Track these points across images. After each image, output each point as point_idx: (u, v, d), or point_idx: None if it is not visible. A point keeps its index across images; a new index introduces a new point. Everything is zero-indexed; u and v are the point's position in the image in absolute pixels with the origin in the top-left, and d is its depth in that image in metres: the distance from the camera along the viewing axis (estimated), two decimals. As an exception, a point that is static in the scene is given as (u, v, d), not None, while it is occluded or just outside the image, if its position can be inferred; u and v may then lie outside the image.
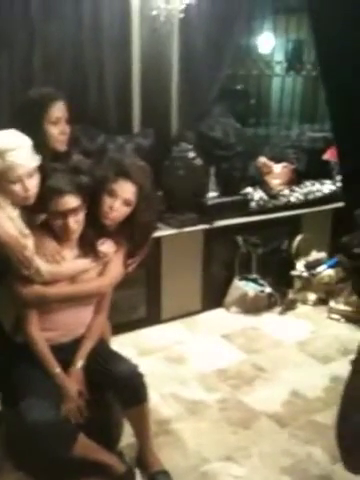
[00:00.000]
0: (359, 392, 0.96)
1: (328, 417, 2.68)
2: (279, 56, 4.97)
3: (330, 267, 3.94)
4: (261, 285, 4.05)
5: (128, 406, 2.22)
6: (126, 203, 2.12)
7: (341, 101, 1.35)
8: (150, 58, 3.54)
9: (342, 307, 3.76)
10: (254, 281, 4.07)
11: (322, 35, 1.33)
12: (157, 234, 3.48)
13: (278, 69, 4.81)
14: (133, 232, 2.20)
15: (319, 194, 4.27)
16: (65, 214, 1.98)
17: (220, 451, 2.54)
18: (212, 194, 3.79)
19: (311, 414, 2.82)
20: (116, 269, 2.20)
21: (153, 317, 3.66)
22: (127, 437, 2.46)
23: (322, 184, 4.34)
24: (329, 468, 2.42)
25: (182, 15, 3.48)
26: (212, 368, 3.22)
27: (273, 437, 2.65)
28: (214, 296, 3.99)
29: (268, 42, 5.02)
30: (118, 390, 2.17)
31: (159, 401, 2.88)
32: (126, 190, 2.12)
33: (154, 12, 3.46)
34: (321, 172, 4.34)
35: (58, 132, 2.33)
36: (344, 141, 1.46)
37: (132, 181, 2.12)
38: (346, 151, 1.46)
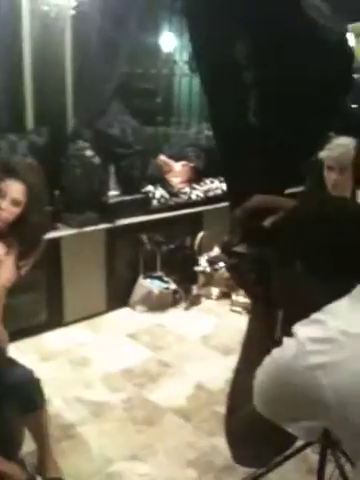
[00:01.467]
0: (241, 387, 0.97)
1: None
2: (180, 56, 5.03)
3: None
4: (166, 282, 4.08)
5: (25, 413, 2.14)
6: (15, 203, 2.04)
7: (216, 103, 1.38)
8: (42, 54, 3.45)
9: (243, 300, 3.87)
10: (159, 279, 4.09)
11: (196, 34, 1.35)
12: (56, 235, 3.41)
13: (177, 69, 4.86)
14: (24, 233, 2.12)
15: (218, 191, 4.37)
16: None
17: (125, 451, 2.52)
18: (113, 193, 3.76)
19: (214, 406, 2.87)
20: (7, 272, 2.11)
21: (55, 320, 3.57)
22: (29, 444, 2.37)
23: (221, 181, 4.44)
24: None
25: (73, 12, 3.42)
26: (117, 368, 3.19)
27: (178, 432, 2.67)
28: (119, 296, 3.96)
29: (170, 42, 5.05)
30: (14, 397, 2.08)
31: (62, 406, 2.81)
32: (14, 189, 2.04)
33: (45, 8, 3.37)
34: (219, 170, 4.43)
35: None
36: (223, 145, 1.49)
37: (20, 180, 2.05)
38: (225, 155, 1.50)
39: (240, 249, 1.03)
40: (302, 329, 0.85)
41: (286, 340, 0.86)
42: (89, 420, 2.73)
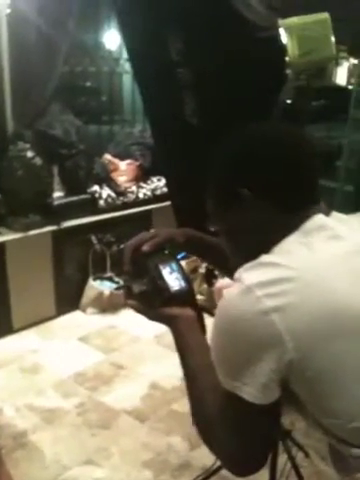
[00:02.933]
0: (198, 390, 0.96)
1: (185, 405, 2.73)
2: (121, 53, 4.96)
3: (181, 259, 4.03)
4: (117, 283, 4.03)
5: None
6: None
7: (152, 103, 1.37)
8: (-23, 54, 3.33)
9: (194, 296, 3.87)
10: (109, 279, 4.05)
11: (128, 32, 1.33)
12: (0, 239, 3.31)
13: (118, 66, 4.81)
14: None
15: (166, 189, 4.35)
16: None
17: (80, 456, 2.48)
18: (58, 194, 3.68)
19: (169, 404, 2.86)
20: None
21: (3, 328, 3.46)
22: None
23: (168, 179, 4.43)
24: (188, 455, 2.48)
25: (9, 10, 3.32)
26: (69, 373, 3.13)
27: (133, 433, 2.65)
28: (69, 299, 3.89)
29: (112, 39, 4.98)
30: None
31: (14, 414, 2.75)
32: None
33: (-23, 6, 3.26)
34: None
35: None
36: (161, 146, 1.48)
37: None
38: (164, 155, 1.50)
39: (137, 287, 1.02)
40: (247, 274, 0.81)
41: (230, 290, 0.82)
42: (42, 427, 2.67)
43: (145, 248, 1.03)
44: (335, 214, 0.91)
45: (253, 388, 0.79)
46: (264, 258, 0.83)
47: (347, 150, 4.39)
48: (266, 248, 0.85)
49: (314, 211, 0.89)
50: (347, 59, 4.59)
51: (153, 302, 1.01)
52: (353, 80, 4.50)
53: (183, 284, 1.02)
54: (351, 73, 4.58)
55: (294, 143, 0.93)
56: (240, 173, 0.92)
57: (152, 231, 1.07)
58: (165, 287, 1.00)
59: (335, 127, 4.53)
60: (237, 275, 0.82)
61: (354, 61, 4.53)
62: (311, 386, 0.80)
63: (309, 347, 0.77)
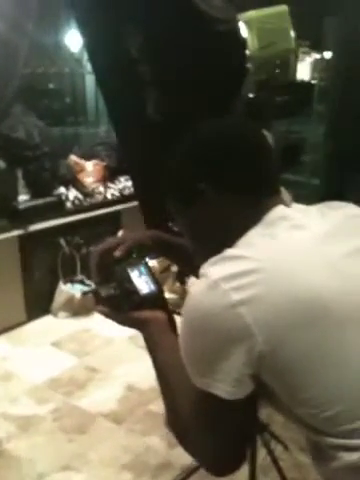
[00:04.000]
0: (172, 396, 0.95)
1: (162, 405, 2.72)
2: (83, 53, 4.90)
3: (152, 258, 4.01)
4: (88, 285, 3.99)
5: None
6: None
7: (113, 102, 1.35)
8: None
9: (167, 295, 3.86)
10: (80, 282, 4.00)
11: (86, 30, 1.30)
12: (-35, 246, 3.24)
13: (81, 67, 4.76)
14: None
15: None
16: None
17: (57, 462, 2.44)
18: (23, 197, 3.62)
19: (146, 405, 2.84)
20: None
21: (-28, 336, 3.40)
22: None
23: (136, 178, 4.40)
24: (167, 455, 2.46)
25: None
26: (43, 379, 3.08)
27: (110, 436, 2.62)
28: (39, 304, 3.83)
29: (73, 39, 4.91)
30: None
31: (-13, 425, 2.68)
32: None
33: None
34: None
35: None
36: (125, 146, 1.47)
37: None
38: (128, 155, 1.48)
39: (106, 292, 1.01)
40: (212, 269, 0.80)
41: (196, 286, 0.80)
42: (17, 435, 2.62)
43: (117, 254, 1.01)
44: (295, 205, 0.92)
45: (225, 384, 0.78)
46: (228, 252, 0.82)
47: (311, 144, 4.44)
48: (229, 242, 0.85)
49: (275, 202, 0.89)
50: (309, 54, 4.63)
51: (122, 306, 0.99)
52: (316, 75, 4.55)
53: (152, 287, 1.01)
54: (314, 68, 4.62)
55: (249, 136, 0.94)
56: (197, 168, 0.92)
57: (118, 236, 1.07)
58: (134, 291, 0.99)
59: (299, 121, 4.58)
60: (202, 270, 0.81)
61: (317, 56, 4.57)
62: (283, 378, 0.79)
63: (278, 338, 0.76)
